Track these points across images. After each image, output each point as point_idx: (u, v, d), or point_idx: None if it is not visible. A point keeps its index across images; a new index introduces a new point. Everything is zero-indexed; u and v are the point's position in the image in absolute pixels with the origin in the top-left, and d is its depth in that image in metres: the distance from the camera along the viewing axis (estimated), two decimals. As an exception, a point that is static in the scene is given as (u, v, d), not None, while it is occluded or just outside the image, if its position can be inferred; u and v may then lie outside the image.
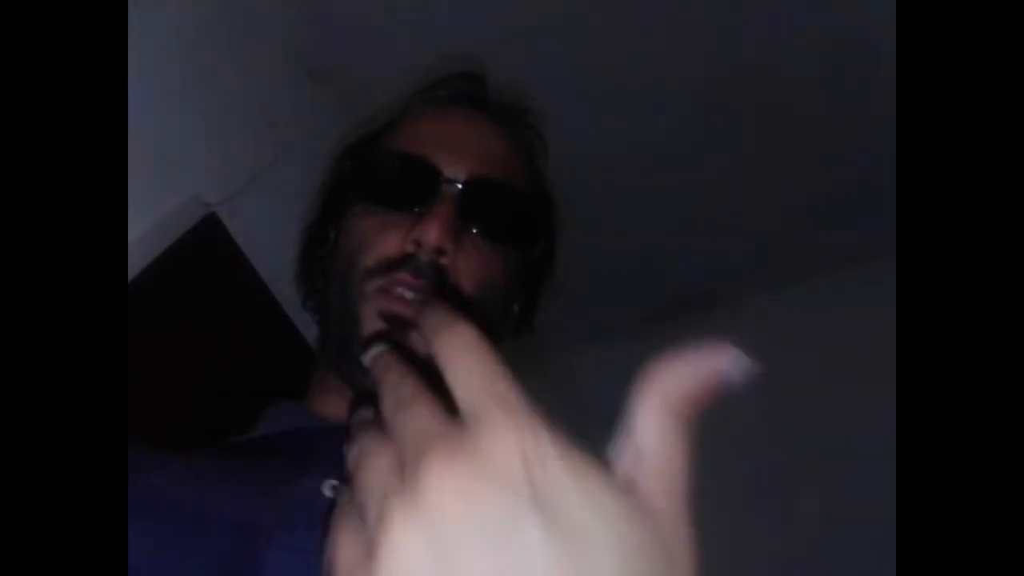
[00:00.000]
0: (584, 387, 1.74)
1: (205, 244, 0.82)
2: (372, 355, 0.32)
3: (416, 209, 0.57)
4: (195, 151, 0.87)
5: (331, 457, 0.51)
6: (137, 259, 0.76)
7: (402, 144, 0.63)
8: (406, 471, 0.23)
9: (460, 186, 0.58)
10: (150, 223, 0.79)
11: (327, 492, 0.48)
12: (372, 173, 0.63)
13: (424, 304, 0.30)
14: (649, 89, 1.20)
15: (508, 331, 0.72)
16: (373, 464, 0.25)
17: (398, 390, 0.27)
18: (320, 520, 0.45)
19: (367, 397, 0.31)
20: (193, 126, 0.88)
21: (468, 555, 0.20)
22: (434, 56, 0.87)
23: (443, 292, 0.56)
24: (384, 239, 0.57)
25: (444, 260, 0.56)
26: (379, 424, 0.27)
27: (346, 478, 0.27)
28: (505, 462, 0.22)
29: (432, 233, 0.55)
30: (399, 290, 0.55)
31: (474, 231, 0.59)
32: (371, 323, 0.56)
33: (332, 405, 0.60)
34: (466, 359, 0.25)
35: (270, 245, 0.90)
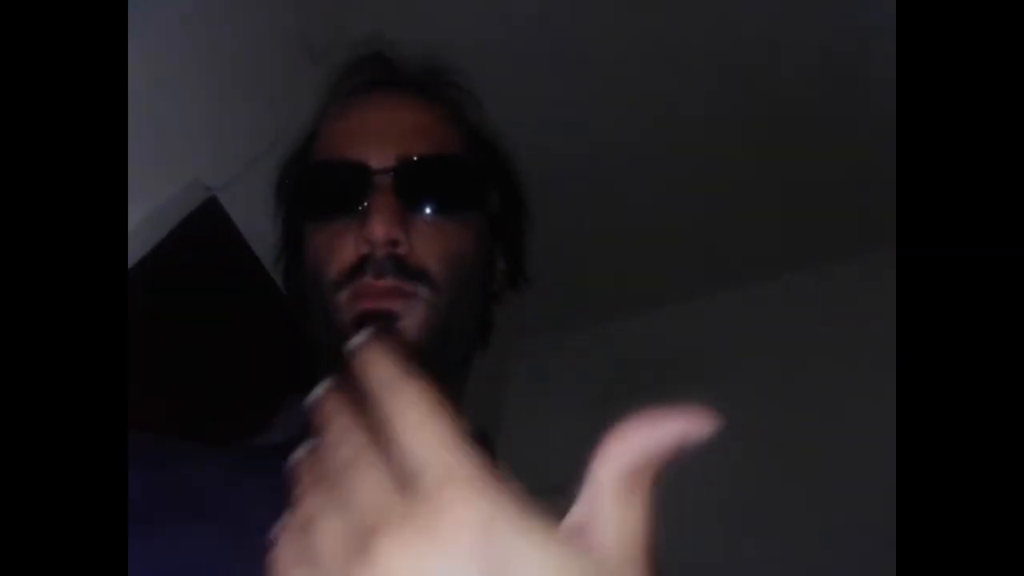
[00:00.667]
0: (599, 361, 1.76)
1: (206, 228, 0.82)
2: (316, 395, 0.31)
3: (359, 209, 0.57)
4: (195, 134, 0.87)
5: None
6: (139, 244, 0.77)
7: (325, 151, 0.63)
8: (358, 541, 0.23)
9: (392, 174, 0.58)
10: (151, 207, 0.80)
11: None
12: (308, 190, 0.63)
13: (368, 358, 0.29)
14: (654, 80, 1.20)
15: (502, 289, 0.72)
16: (326, 525, 0.25)
17: (342, 445, 0.27)
18: None
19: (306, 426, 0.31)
20: (193, 109, 0.88)
21: None
22: (437, 38, 0.86)
23: (409, 279, 0.56)
24: (339, 250, 0.58)
25: (400, 250, 0.56)
26: (319, 461, 0.28)
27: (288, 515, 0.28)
28: (457, 537, 0.22)
29: (377, 228, 0.55)
30: (368, 295, 0.56)
31: (422, 210, 0.59)
32: (350, 332, 0.56)
33: None
34: (414, 421, 0.25)
35: (269, 228, 0.90)
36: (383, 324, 0.54)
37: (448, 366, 0.60)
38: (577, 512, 0.24)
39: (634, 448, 0.24)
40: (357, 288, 0.56)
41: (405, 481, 0.24)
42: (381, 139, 0.60)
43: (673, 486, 0.27)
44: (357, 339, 0.31)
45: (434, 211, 0.59)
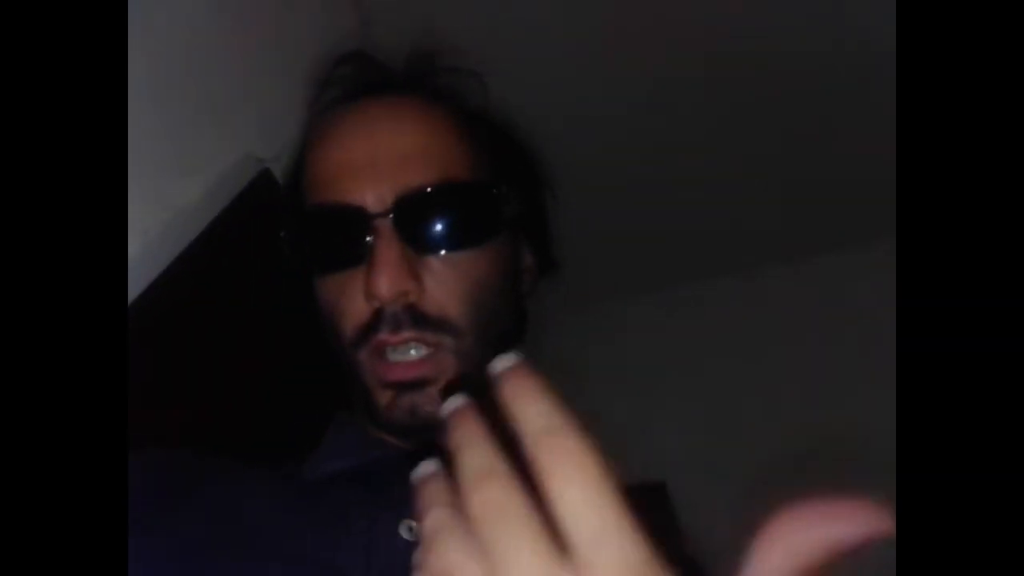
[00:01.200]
0: (601, 344, 1.77)
1: (262, 200, 0.81)
2: (450, 408, 0.28)
3: (364, 255, 0.52)
4: (246, 105, 0.86)
5: (402, 491, 0.51)
6: (197, 218, 0.76)
7: (317, 192, 0.56)
8: None
9: (391, 215, 0.51)
10: (207, 182, 0.79)
11: (404, 534, 0.47)
12: (306, 240, 0.57)
13: (515, 389, 0.25)
14: (655, 74, 1.19)
15: (532, 284, 0.65)
16: (458, 568, 0.23)
17: (487, 487, 0.24)
18: (398, 565, 0.44)
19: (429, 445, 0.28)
20: (244, 79, 0.87)
21: None
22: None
23: (428, 328, 0.52)
24: (349, 303, 0.53)
25: (412, 299, 0.51)
26: (448, 490, 0.26)
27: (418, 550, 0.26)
28: None
29: (382, 285, 0.50)
30: (389, 353, 0.52)
31: (432, 250, 0.53)
32: (380, 395, 0.53)
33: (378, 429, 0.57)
34: (577, 483, 0.22)
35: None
36: (413, 393, 0.51)
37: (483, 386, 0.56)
38: None
39: (802, 542, 0.21)
40: (375, 346, 0.52)
41: (555, 539, 0.22)
42: (374, 174, 0.53)
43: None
44: (449, 405, 0.29)
45: (444, 248, 0.52)
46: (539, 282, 0.66)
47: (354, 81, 0.63)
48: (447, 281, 0.52)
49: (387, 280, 0.50)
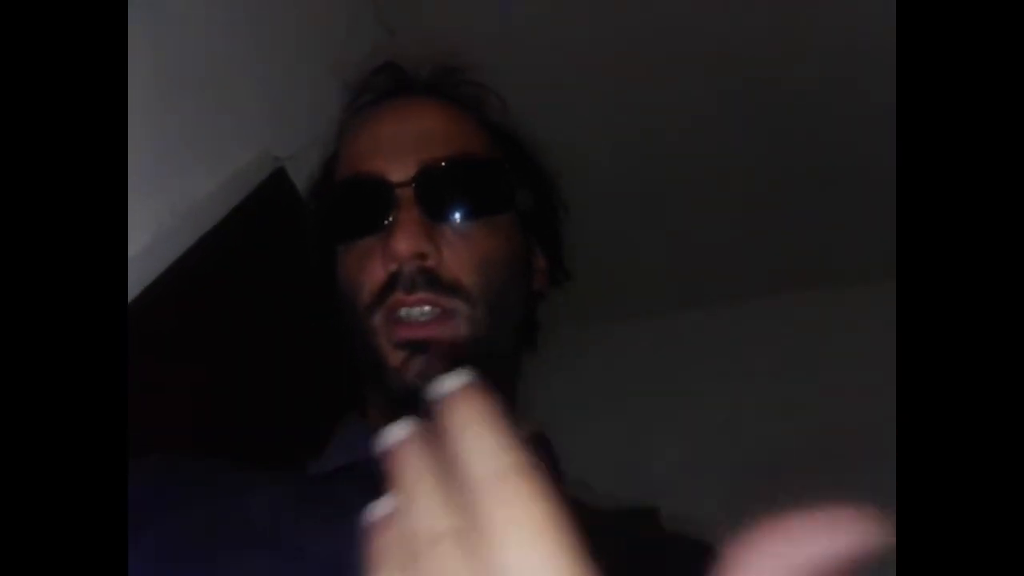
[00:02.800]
0: (593, 367, 1.78)
1: (274, 198, 0.82)
2: (389, 440, 0.28)
3: (384, 224, 0.55)
4: (265, 105, 0.87)
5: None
6: (210, 214, 0.77)
7: (346, 168, 0.60)
8: None
9: (413, 185, 0.55)
10: (222, 177, 0.80)
11: None
12: (333, 211, 0.61)
13: (453, 415, 0.25)
14: (656, 97, 1.20)
15: (544, 287, 0.69)
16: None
17: (427, 514, 0.24)
18: None
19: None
20: (261, 79, 0.88)
21: None
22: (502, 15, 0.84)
23: (442, 291, 0.54)
24: (368, 270, 0.56)
25: (429, 263, 0.54)
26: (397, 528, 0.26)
27: None
28: None
29: (401, 244, 0.53)
30: (402, 312, 0.54)
31: (449, 219, 0.56)
32: (392, 356, 0.54)
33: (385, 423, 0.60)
34: (509, 516, 0.23)
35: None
36: (425, 355, 0.53)
37: (495, 374, 0.57)
38: None
39: (795, 550, 0.20)
40: (390, 307, 0.54)
41: (470, 525, 0.22)
42: (399, 149, 0.57)
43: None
44: (391, 434, 0.28)
45: (461, 218, 0.56)
46: (550, 290, 0.68)
47: (387, 86, 0.68)
48: (461, 251, 0.56)
49: (406, 240, 0.53)
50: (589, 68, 1.18)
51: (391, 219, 0.54)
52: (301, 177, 0.88)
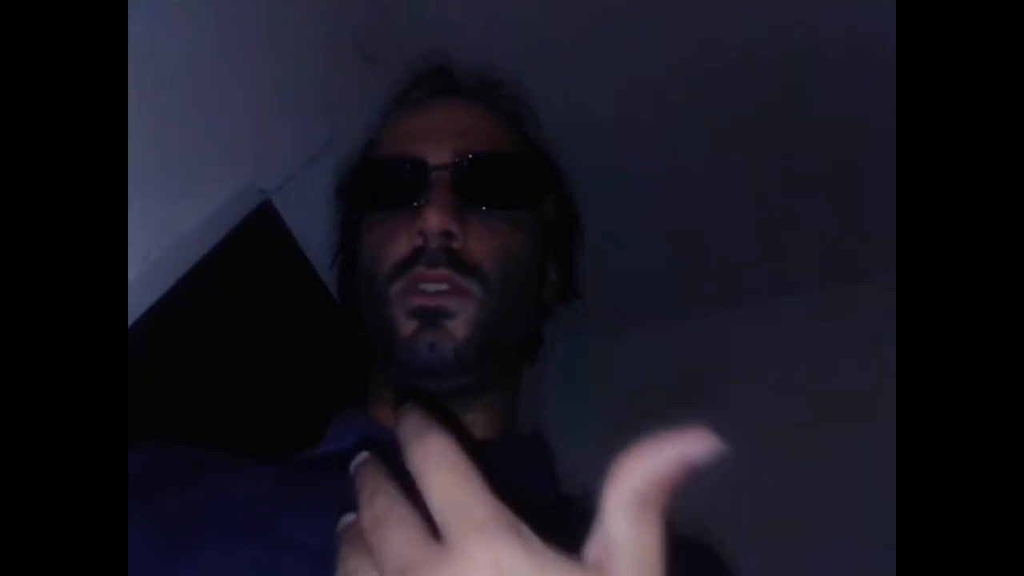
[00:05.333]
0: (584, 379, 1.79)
1: (261, 233, 0.82)
2: (355, 464, 0.33)
3: (415, 204, 0.57)
4: (248, 136, 0.87)
5: (398, 475, 0.52)
6: (194, 249, 0.77)
7: (386, 148, 0.64)
8: None
9: (449, 169, 0.58)
10: (206, 211, 0.80)
11: None
12: (367, 186, 0.64)
13: (401, 414, 0.30)
14: (650, 97, 1.19)
15: (553, 300, 0.71)
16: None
17: (374, 504, 0.28)
18: None
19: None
20: (245, 111, 0.88)
21: None
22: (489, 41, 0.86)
23: (463, 273, 0.56)
24: (393, 243, 0.58)
25: (455, 244, 0.56)
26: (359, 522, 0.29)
27: None
28: None
29: (432, 219, 0.55)
30: (421, 285, 0.56)
31: (477, 207, 0.59)
32: (404, 325, 0.56)
33: (388, 412, 0.61)
34: (436, 474, 0.27)
35: (323, 233, 0.90)
36: (435, 328, 0.54)
37: (496, 367, 0.59)
38: (593, 544, 0.25)
39: (641, 474, 0.25)
40: (410, 279, 0.56)
41: (432, 532, 0.25)
42: (439, 137, 0.60)
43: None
44: (355, 461, 0.33)
45: (489, 208, 0.59)
46: (559, 306, 0.71)
47: (434, 86, 0.72)
48: (485, 239, 0.58)
49: (437, 217, 0.55)
50: (585, 69, 1.19)
51: (424, 198, 0.57)
52: (287, 209, 0.88)
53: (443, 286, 0.56)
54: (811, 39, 1.09)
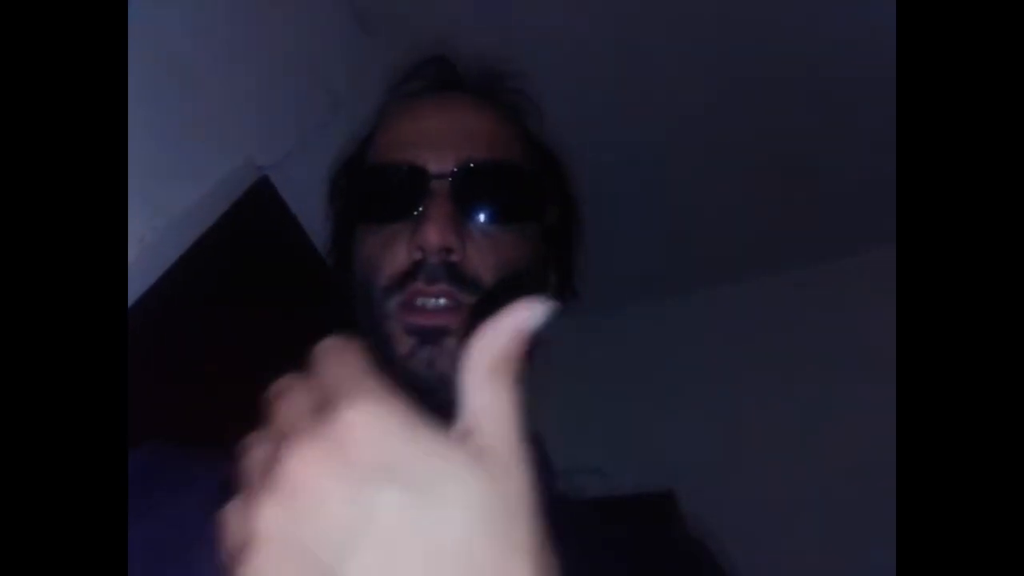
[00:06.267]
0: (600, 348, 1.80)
1: (259, 208, 0.83)
2: (323, 346, 0.33)
3: (414, 214, 0.56)
4: (246, 112, 0.87)
5: None
6: (194, 225, 0.78)
7: (383, 153, 0.61)
8: (276, 456, 0.26)
9: (449, 179, 0.56)
10: (205, 187, 0.81)
11: None
12: (363, 192, 0.62)
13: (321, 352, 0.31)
14: (651, 81, 1.19)
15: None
16: (254, 452, 0.28)
17: (280, 400, 0.30)
18: None
19: None
20: (243, 86, 0.88)
21: (328, 519, 0.24)
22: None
23: (462, 287, 0.55)
24: (391, 254, 0.56)
25: (454, 257, 0.55)
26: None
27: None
28: (356, 439, 0.25)
29: (431, 234, 0.54)
30: (419, 301, 0.55)
31: (478, 218, 0.57)
32: (402, 342, 0.55)
33: None
34: (330, 365, 0.29)
35: (321, 207, 0.90)
36: (431, 346, 0.54)
37: None
38: (461, 419, 0.27)
39: (488, 346, 0.28)
40: (408, 294, 0.55)
41: (322, 407, 0.26)
42: (440, 142, 0.58)
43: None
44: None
45: (490, 220, 0.57)
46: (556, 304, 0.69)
47: (434, 77, 0.69)
48: (487, 252, 0.56)
49: (436, 231, 0.54)
50: (588, 63, 1.19)
51: (423, 208, 0.55)
52: (284, 184, 0.89)
53: (442, 301, 0.55)
54: (810, 27, 1.08)
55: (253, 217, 0.82)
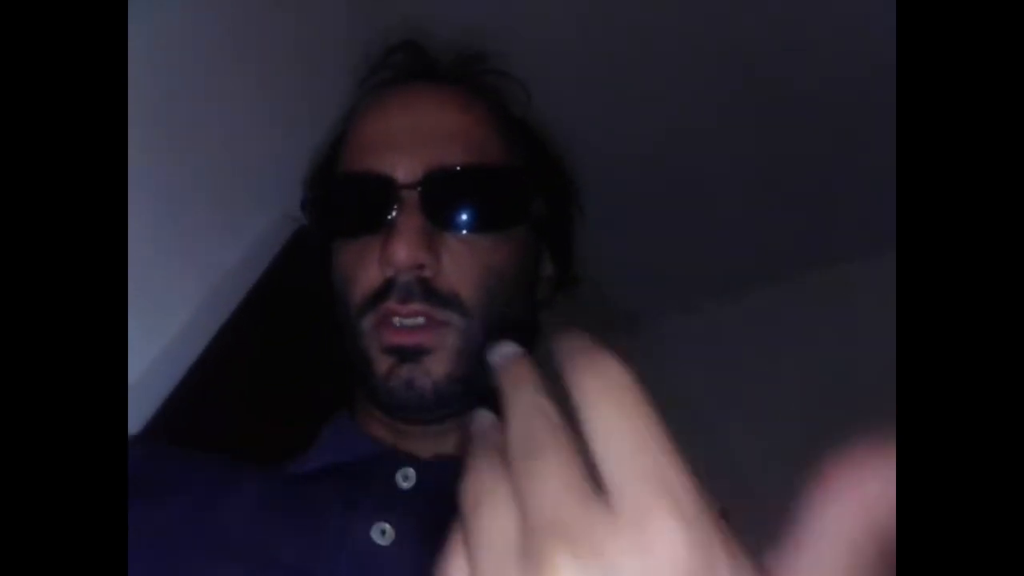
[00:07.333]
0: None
1: (300, 260, 0.85)
2: (502, 355, 0.26)
3: (385, 225, 0.52)
4: (279, 170, 0.89)
5: (382, 490, 0.51)
6: (239, 284, 0.80)
7: (352, 159, 0.57)
8: (528, 548, 0.19)
9: (419, 188, 0.52)
10: (246, 244, 0.83)
11: (376, 538, 0.47)
12: (332, 205, 0.58)
13: (559, 330, 0.24)
14: (651, 88, 1.19)
15: (550, 294, 0.64)
16: (490, 521, 0.21)
17: (531, 423, 0.22)
18: (368, 570, 0.45)
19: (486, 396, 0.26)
20: (269, 143, 0.91)
21: None
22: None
23: (438, 304, 0.52)
24: (363, 271, 0.53)
25: (427, 273, 0.51)
26: (498, 442, 0.23)
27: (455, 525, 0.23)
28: (661, 564, 0.18)
29: (400, 252, 0.50)
30: (395, 320, 0.52)
31: (453, 228, 0.53)
32: (380, 361, 0.52)
33: (376, 425, 0.58)
34: (617, 414, 0.20)
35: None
36: (411, 364, 0.51)
37: (482, 388, 0.55)
38: (790, 557, 0.19)
39: (873, 497, 0.19)
40: (382, 314, 0.52)
41: (596, 482, 0.20)
42: (409, 147, 0.54)
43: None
44: (502, 351, 0.26)
45: (466, 228, 0.53)
46: (557, 295, 0.65)
47: (404, 66, 0.64)
48: (463, 262, 0.53)
49: (405, 248, 0.50)
50: (587, 65, 1.19)
51: (392, 221, 0.52)
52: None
53: (419, 320, 0.51)
54: (810, 34, 1.07)
55: (296, 269, 0.84)
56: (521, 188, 0.58)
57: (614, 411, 0.20)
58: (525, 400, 0.22)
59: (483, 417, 0.25)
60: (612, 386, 0.20)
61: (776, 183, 1.34)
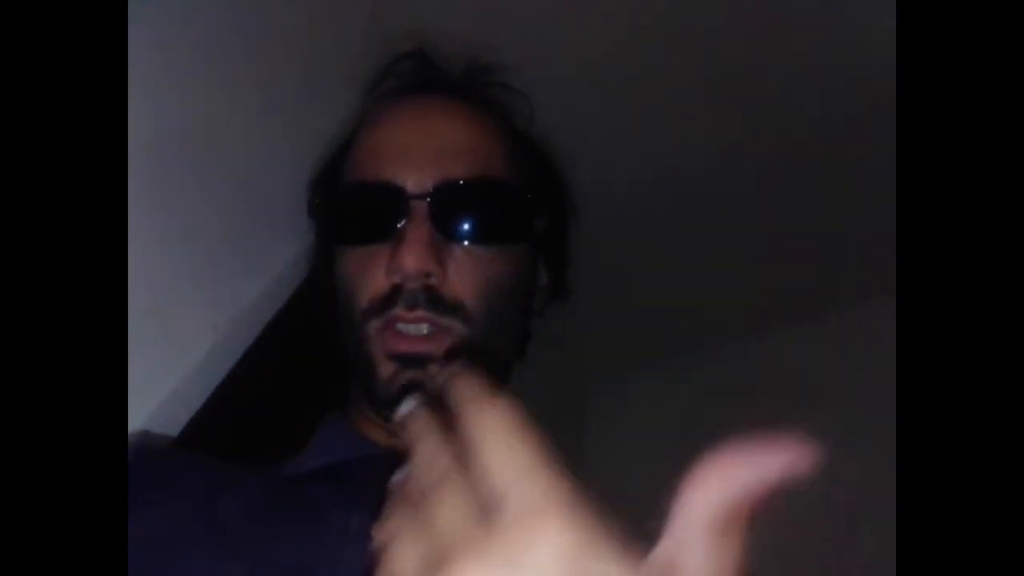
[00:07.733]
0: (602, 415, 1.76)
1: (318, 291, 0.85)
2: (404, 411, 0.31)
3: (393, 234, 0.54)
4: (295, 202, 0.91)
5: (380, 491, 0.51)
6: (260, 317, 0.81)
7: (360, 168, 0.59)
8: (433, 565, 0.22)
9: (428, 199, 0.54)
10: (266, 279, 0.84)
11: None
12: (339, 211, 0.60)
13: (450, 374, 0.28)
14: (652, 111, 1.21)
15: (545, 304, 0.67)
16: (403, 548, 0.25)
17: (429, 468, 0.26)
18: (366, 570, 0.45)
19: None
20: (294, 171, 0.92)
21: None
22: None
23: (443, 312, 0.53)
24: (369, 277, 0.55)
25: (433, 281, 0.53)
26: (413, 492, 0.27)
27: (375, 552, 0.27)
28: (540, 569, 0.20)
29: (409, 260, 0.52)
30: (399, 327, 0.53)
31: (459, 239, 0.55)
32: (383, 366, 0.54)
33: (371, 428, 0.59)
34: (500, 448, 0.23)
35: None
36: (415, 372, 0.53)
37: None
38: (665, 548, 0.22)
39: (729, 481, 0.21)
40: (387, 320, 0.53)
41: (489, 506, 0.22)
42: (418, 159, 0.56)
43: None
44: (404, 408, 0.31)
45: (472, 240, 0.55)
46: (550, 305, 0.67)
47: (413, 76, 0.66)
48: (468, 272, 0.55)
49: (414, 257, 0.52)
50: (589, 83, 1.20)
51: (401, 230, 0.53)
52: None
53: (423, 328, 0.53)
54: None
55: (313, 300, 0.84)
56: (525, 203, 0.59)
57: (499, 447, 0.24)
58: (425, 450, 0.27)
59: (398, 474, 0.30)
60: (496, 426, 0.24)
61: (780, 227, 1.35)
